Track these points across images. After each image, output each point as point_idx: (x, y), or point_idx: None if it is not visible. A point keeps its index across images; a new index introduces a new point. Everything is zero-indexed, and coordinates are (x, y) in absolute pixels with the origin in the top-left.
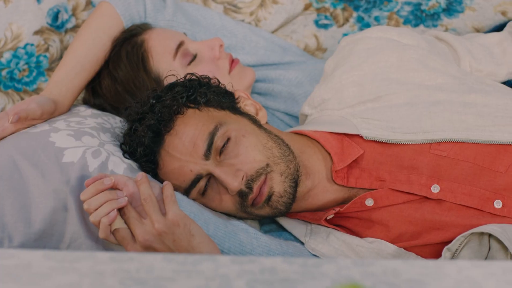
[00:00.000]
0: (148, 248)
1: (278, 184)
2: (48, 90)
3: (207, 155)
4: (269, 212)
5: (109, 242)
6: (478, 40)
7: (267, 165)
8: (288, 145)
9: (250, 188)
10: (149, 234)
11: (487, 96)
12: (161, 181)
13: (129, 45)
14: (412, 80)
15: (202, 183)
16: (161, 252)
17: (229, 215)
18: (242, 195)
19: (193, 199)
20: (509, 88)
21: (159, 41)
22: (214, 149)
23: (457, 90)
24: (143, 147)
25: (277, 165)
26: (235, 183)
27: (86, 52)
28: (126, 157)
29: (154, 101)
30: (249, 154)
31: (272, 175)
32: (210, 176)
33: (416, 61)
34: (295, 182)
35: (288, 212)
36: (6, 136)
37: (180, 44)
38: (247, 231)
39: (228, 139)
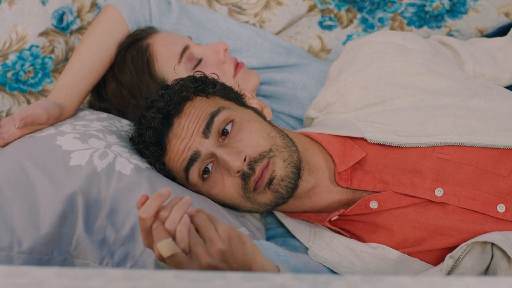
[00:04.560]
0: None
1: (280, 169)
2: (54, 95)
3: (205, 133)
4: (271, 198)
5: (163, 267)
6: (481, 44)
7: (270, 149)
8: (292, 139)
9: (252, 169)
10: (213, 256)
11: (490, 101)
12: (166, 170)
13: (134, 49)
14: (416, 84)
15: (201, 164)
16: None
17: (234, 208)
18: (244, 177)
19: (195, 184)
20: None
21: (164, 46)
22: (215, 128)
23: (460, 95)
24: (152, 130)
25: (280, 152)
26: (237, 162)
27: (91, 56)
28: (133, 148)
29: (162, 91)
30: (252, 138)
31: (275, 159)
32: (214, 161)
33: (420, 65)
34: (298, 169)
35: (290, 197)
36: (12, 141)
37: (185, 49)
38: (277, 254)
39: (232, 124)
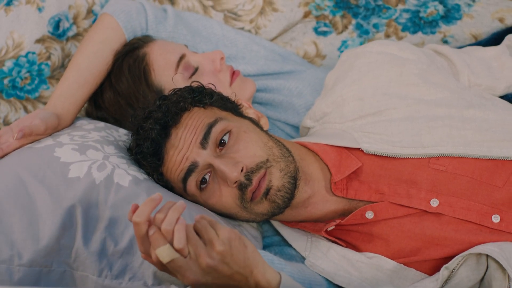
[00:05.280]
0: (210, 272)
1: (277, 179)
2: (51, 104)
3: (203, 143)
4: (268, 208)
5: (162, 277)
6: (476, 53)
7: (267, 160)
8: (288, 149)
9: (249, 179)
10: (213, 257)
11: (485, 111)
12: (164, 180)
13: (131, 58)
14: (412, 94)
15: (199, 174)
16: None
17: (231, 218)
18: (241, 187)
19: (193, 195)
20: (507, 103)
21: (161, 55)
22: (212, 139)
23: (456, 105)
24: (150, 141)
25: (277, 162)
26: (234, 173)
27: (88, 65)
28: (131, 158)
29: (160, 102)
30: (249, 149)
31: (272, 170)
32: (211, 171)
33: (416, 76)
34: (294, 179)
35: (287, 207)
36: (10, 152)
37: (182, 57)
38: (272, 262)
39: (229, 134)
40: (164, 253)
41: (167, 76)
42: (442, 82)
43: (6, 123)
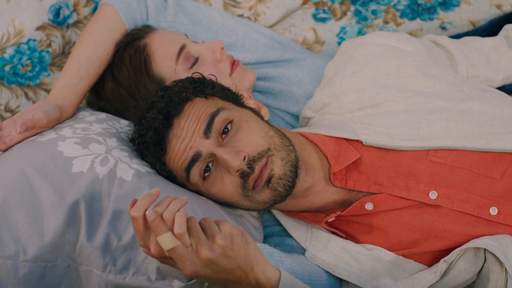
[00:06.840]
0: (209, 265)
1: (278, 168)
2: (53, 96)
3: (206, 133)
4: (270, 196)
5: (165, 272)
6: (474, 44)
7: (269, 149)
8: (289, 139)
9: (251, 168)
10: (213, 250)
11: (484, 104)
12: (167, 170)
13: (132, 49)
14: (411, 87)
15: (202, 163)
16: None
17: (233, 207)
18: (243, 175)
19: (195, 184)
20: (505, 95)
21: (161, 45)
22: (215, 129)
23: (454, 98)
24: (153, 131)
25: (278, 151)
26: (237, 161)
27: (89, 56)
28: (134, 148)
29: (162, 92)
30: (251, 138)
31: (273, 158)
32: (213, 160)
33: (414, 68)
34: (295, 168)
35: (288, 195)
36: (13, 145)
37: (182, 48)
38: (272, 255)
39: (231, 124)
40: (166, 240)
41: (167, 67)
42: (440, 74)
43: (7, 109)
